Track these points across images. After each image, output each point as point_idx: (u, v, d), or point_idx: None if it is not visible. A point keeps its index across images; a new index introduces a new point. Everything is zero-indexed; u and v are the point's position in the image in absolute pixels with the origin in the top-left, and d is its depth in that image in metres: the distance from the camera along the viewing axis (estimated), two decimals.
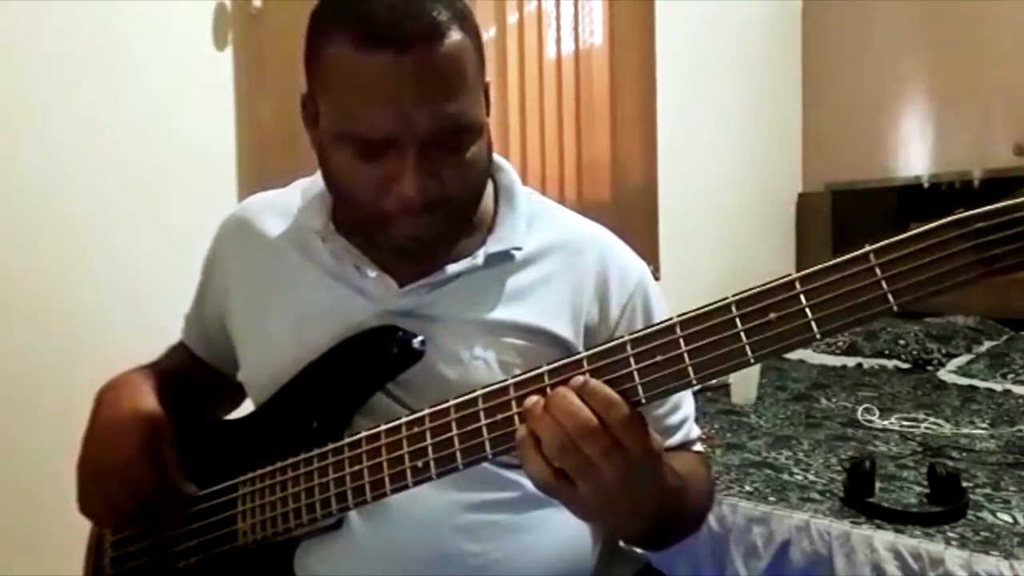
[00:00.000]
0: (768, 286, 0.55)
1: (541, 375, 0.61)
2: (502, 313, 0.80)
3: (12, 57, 1.45)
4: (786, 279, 0.55)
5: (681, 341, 0.58)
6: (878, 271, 0.52)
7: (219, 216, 0.95)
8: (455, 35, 0.70)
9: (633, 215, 2.65)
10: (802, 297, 0.54)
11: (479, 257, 0.80)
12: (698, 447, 0.90)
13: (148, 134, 1.64)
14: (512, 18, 2.33)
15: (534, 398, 0.60)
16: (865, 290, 0.53)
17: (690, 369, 0.57)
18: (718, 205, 3.08)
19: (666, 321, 0.58)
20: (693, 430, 0.90)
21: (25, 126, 1.48)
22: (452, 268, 0.79)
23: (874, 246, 0.53)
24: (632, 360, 0.59)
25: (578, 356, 0.61)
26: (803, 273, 0.54)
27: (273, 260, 0.86)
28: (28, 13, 1.46)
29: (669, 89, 2.78)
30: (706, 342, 0.57)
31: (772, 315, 0.54)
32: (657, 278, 2.78)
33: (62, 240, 1.53)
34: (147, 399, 0.83)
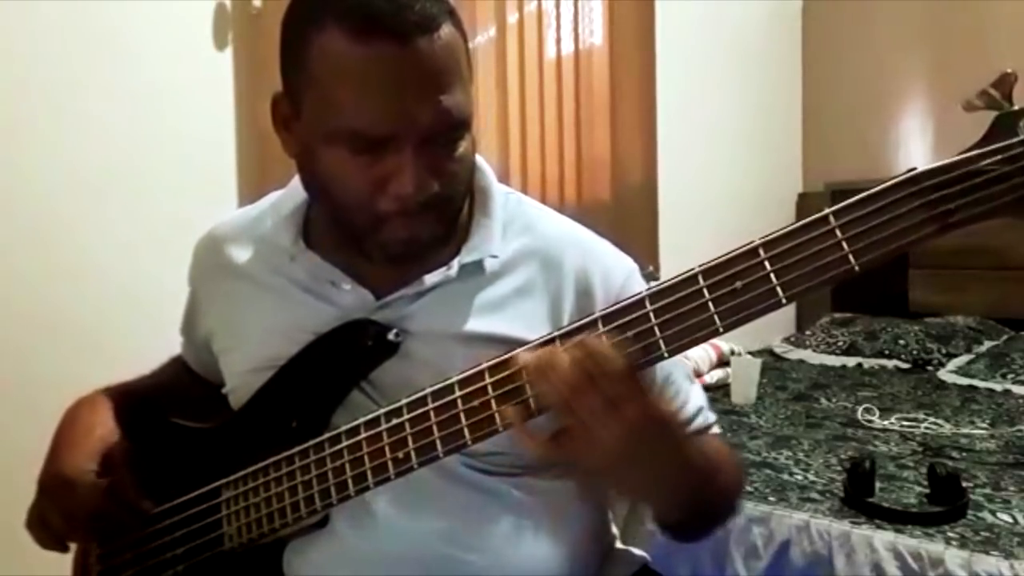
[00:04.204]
0: (733, 254, 0.56)
1: (514, 359, 0.62)
2: (479, 325, 0.78)
3: (11, 57, 1.45)
4: (750, 246, 0.55)
5: (651, 315, 0.58)
6: (838, 232, 0.53)
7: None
8: (447, 28, 0.69)
9: (633, 215, 2.64)
10: (766, 263, 0.54)
11: (453, 268, 0.78)
12: (715, 429, 0.89)
13: (148, 134, 1.64)
14: (512, 18, 2.32)
15: (528, 357, 0.61)
16: (826, 252, 0.53)
17: (661, 342, 0.58)
18: (718, 205, 3.08)
19: (635, 296, 0.59)
20: (709, 416, 0.88)
21: (25, 126, 1.47)
22: (427, 279, 0.77)
23: (833, 208, 0.53)
24: (604, 338, 0.60)
25: (549, 335, 0.61)
26: (766, 239, 0.55)
27: (246, 282, 0.86)
28: (27, 13, 1.46)
29: (669, 89, 2.78)
30: (675, 314, 0.57)
31: (738, 283, 0.55)
32: (656, 278, 2.78)
33: (62, 240, 1.52)
34: (101, 420, 0.83)
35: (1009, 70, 0.54)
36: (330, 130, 0.70)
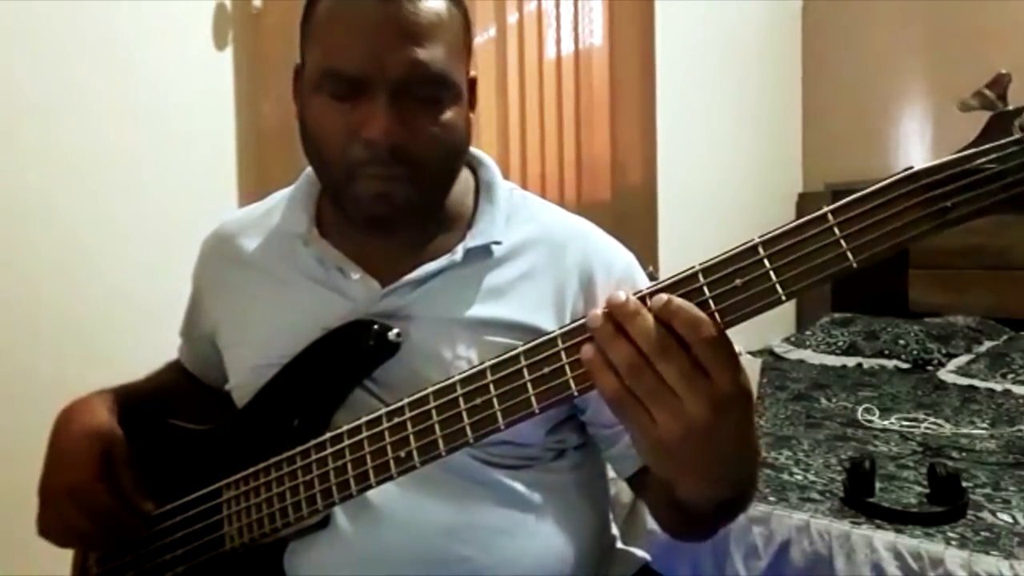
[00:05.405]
0: (732, 252, 0.56)
1: (516, 357, 0.61)
2: (484, 310, 0.79)
3: (12, 57, 1.45)
4: (749, 244, 0.55)
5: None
6: (836, 231, 0.53)
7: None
8: (441, 2, 0.75)
9: (633, 215, 2.65)
10: (766, 261, 0.54)
11: (458, 253, 0.79)
12: None
13: (148, 134, 1.64)
14: (512, 18, 2.33)
15: (599, 315, 0.56)
16: (825, 250, 0.53)
17: None
18: (718, 205, 3.08)
19: (636, 293, 0.57)
20: None
21: (24, 127, 1.47)
22: (432, 265, 0.79)
23: (832, 206, 0.53)
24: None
25: (552, 334, 0.60)
26: (765, 237, 0.55)
27: (255, 273, 0.87)
28: (27, 13, 1.46)
29: (669, 89, 2.78)
30: None
31: (738, 281, 0.55)
32: (656, 278, 2.80)
33: (62, 241, 1.52)
34: (101, 421, 0.83)
35: (1004, 71, 0.55)
36: (318, 75, 0.75)
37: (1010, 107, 0.53)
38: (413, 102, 0.73)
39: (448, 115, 0.76)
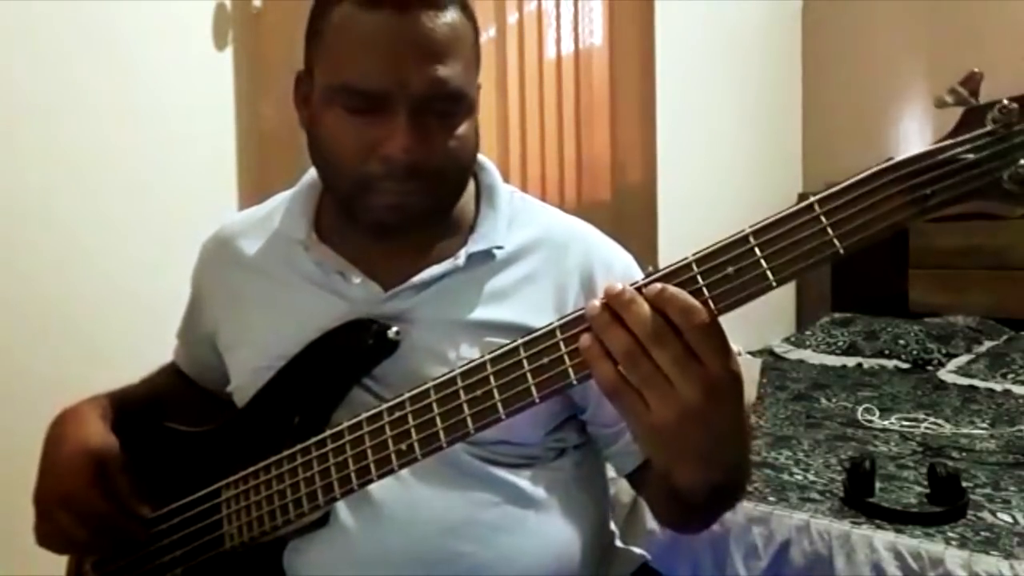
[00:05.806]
0: (724, 242, 0.57)
1: (515, 349, 0.62)
2: (486, 313, 0.80)
3: (12, 57, 1.45)
4: (740, 234, 0.57)
5: None
6: (823, 219, 0.55)
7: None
8: (454, 13, 0.74)
9: (633, 215, 2.65)
10: (756, 250, 0.56)
11: (460, 257, 0.80)
12: None
13: (148, 134, 1.64)
14: (512, 18, 2.33)
15: (596, 305, 0.57)
16: (813, 237, 0.55)
17: None
18: (718, 205, 3.08)
19: (633, 284, 0.58)
20: None
21: (24, 126, 1.47)
22: (435, 270, 0.80)
23: (818, 196, 0.56)
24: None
25: (551, 326, 0.61)
26: (755, 227, 0.57)
27: (256, 276, 0.87)
28: (27, 13, 1.46)
29: (669, 89, 2.78)
30: None
31: (730, 269, 0.56)
32: None
33: (62, 241, 1.52)
34: (92, 428, 0.83)
35: (976, 70, 0.59)
36: (332, 87, 0.74)
37: (982, 102, 0.56)
38: (430, 118, 0.74)
39: (462, 128, 0.77)
